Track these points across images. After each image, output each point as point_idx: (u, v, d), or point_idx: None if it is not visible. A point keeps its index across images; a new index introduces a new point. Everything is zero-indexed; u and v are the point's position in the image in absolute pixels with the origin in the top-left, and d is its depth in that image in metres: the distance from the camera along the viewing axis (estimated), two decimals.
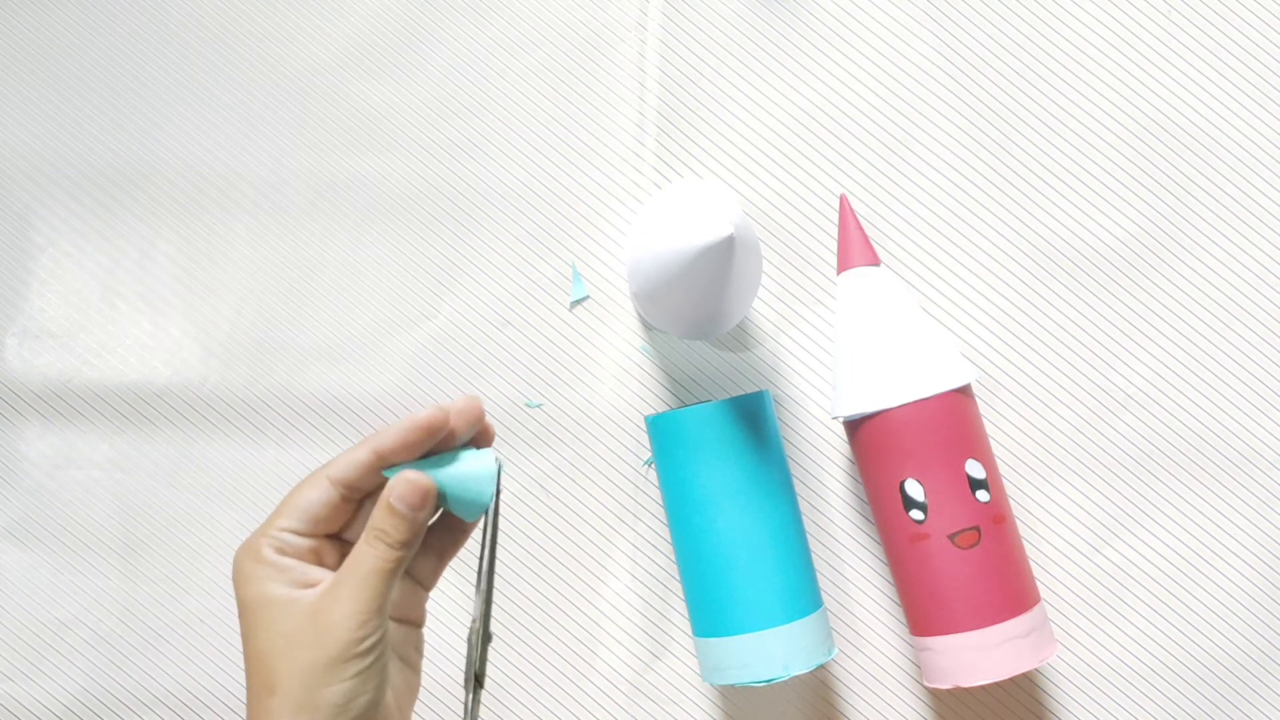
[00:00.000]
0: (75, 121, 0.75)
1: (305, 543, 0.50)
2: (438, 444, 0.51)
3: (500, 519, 0.73)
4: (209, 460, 0.73)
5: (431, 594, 0.56)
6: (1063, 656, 0.72)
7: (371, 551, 0.48)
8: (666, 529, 0.72)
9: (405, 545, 0.48)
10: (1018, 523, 0.71)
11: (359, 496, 0.51)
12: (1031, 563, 0.70)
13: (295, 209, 0.75)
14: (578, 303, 0.72)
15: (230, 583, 0.73)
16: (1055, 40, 0.75)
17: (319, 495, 0.50)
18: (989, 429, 0.73)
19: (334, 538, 0.52)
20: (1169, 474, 0.73)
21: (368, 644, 0.48)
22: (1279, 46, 0.75)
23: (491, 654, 0.72)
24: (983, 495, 0.65)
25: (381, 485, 0.51)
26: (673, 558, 0.72)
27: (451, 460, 0.51)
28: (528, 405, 0.73)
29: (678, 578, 0.72)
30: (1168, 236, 0.74)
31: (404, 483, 0.48)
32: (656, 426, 0.68)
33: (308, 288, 0.74)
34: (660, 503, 0.72)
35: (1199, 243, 0.74)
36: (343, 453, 0.51)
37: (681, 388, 0.73)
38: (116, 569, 0.73)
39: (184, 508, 0.73)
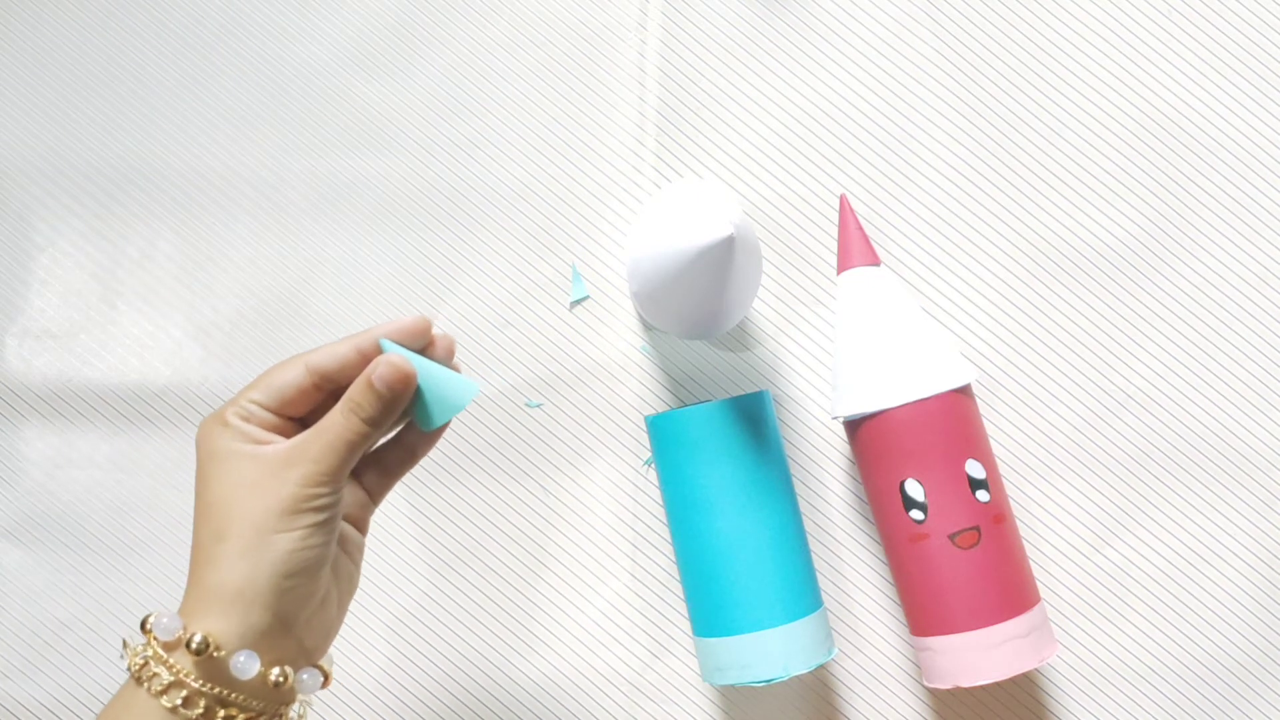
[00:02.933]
0: (75, 121, 0.75)
1: (270, 418, 0.52)
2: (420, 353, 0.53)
3: (494, 514, 0.73)
4: None
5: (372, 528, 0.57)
6: (1063, 656, 0.72)
7: (342, 420, 0.50)
8: (666, 529, 0.72)
9: (374, 423, 0.50)
10: (1018, 523, 0.71)
11: (330, 388, 0.52)
12: (1031, 563, 0.70)
13: (295, 209, 0.75)
14: (578, 303, 0.72)
15: None
16: (1055, 40, 0.75)
17: (293, 377, 0.52)
18: (989, 429, 0.73)
19: (296, 421, 0.53)
20: (1169, 474, 0.73)
21: (321, 501, 0.49)
22: (1279, 46, 0.75)
23: (492, 653, 0.72)
24: (983, 495, 0.65)
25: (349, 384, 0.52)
26: (673, 558, 0.72)
27: (435, 366, 0.52)
28: (528, 405, 0.73)
29: (678, 578, 0.72)
30: (1168, 236, 0.74)
31: (388, 364, 0.50)
32: (656, 426, 0.68)
33: (308, 288, 0.74)
34: (660, 503, 0.72)
35: (1199, 243, 0.74)
36: (326, 344, 0.52)
37: (681, 388, 0.73)
38: (116, 569, 0.73)
39: (184, 508, 0.73)
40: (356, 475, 0.56)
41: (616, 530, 0.73)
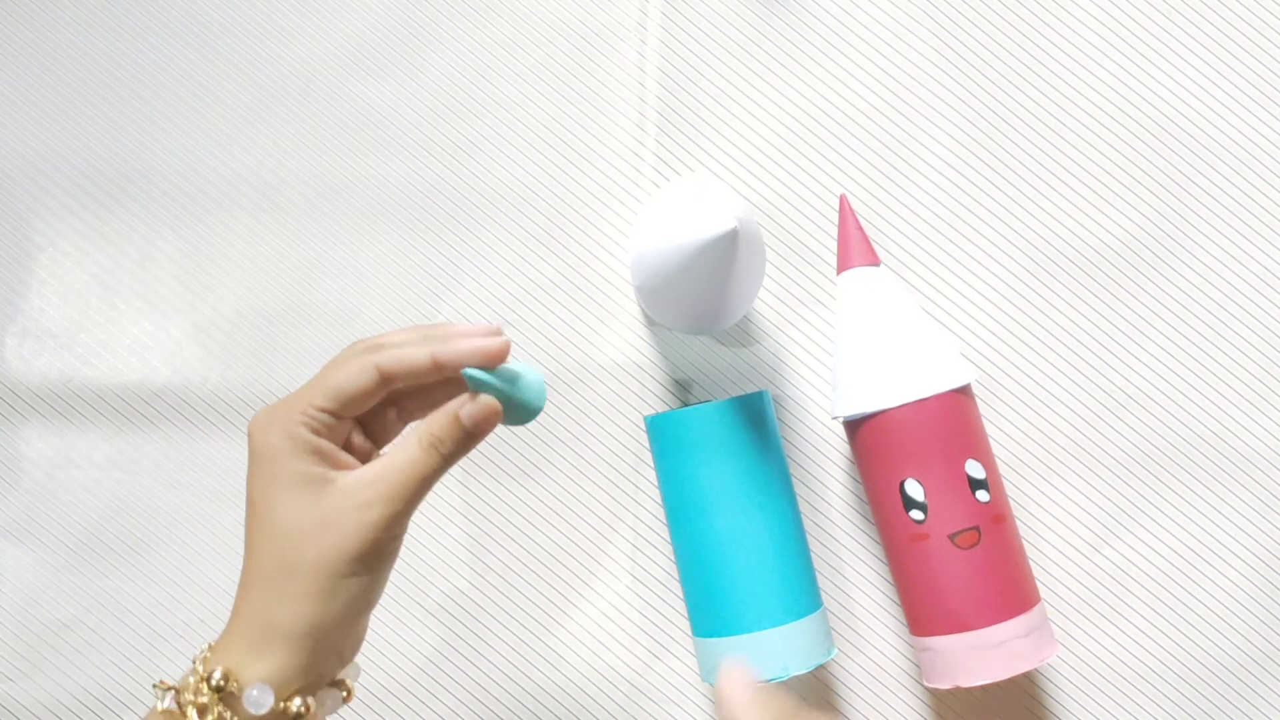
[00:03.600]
0: (75, 121, 0.75)
1: (335, 423, 0.49)
2: None
3: (494, 514, 0.73)
4: (209, 460, 0.73)
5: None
6: (1063, 656, 0.72)
7: (423, 457, 0.48)
8: (666, 529, 0.72)
9: (454, 459, 0.48)
10: (1018, 523, 0.71)
11: (394, 388, 0.50)
12: (1031, 563, 0.70)
13: (295, 209, 0.75)
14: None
15: (227, 583, 0.73)
16: (1055, 40, 0.75)
17: (364, 381, 0.49)
18: (989, 429, 0.73)
19: (356, 421, 0.51)
20: (1169, 474, 0.73)
21: (397, 545, 0.48)
22: (1279, 46, 0.74)
23: (492, 653, 0.72)
24: (983, 495, 0.65)
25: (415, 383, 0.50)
26: (673, 558, 0.72)
27: (510, 374, 0.50)
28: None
29: (678, 578, 0.72)
30: (1168, 236, 0.74)
31: (483, 407, 0.48)
32: (656, 426, 0.68)
33: (308, 288, 0.74)
34: (660, 503, 0.72)
35: (1199, 243, 0.74)
36: (392, 340, 0.49)
37: (682, 387, 0.73)
38: (116, 569, 0.73)
39: (184, 508, 0.73)
40: None
41: (616, 530, 0.73)
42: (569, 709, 0.72)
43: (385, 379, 0.49)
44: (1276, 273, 0.74)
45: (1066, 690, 0.72)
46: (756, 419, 0.67)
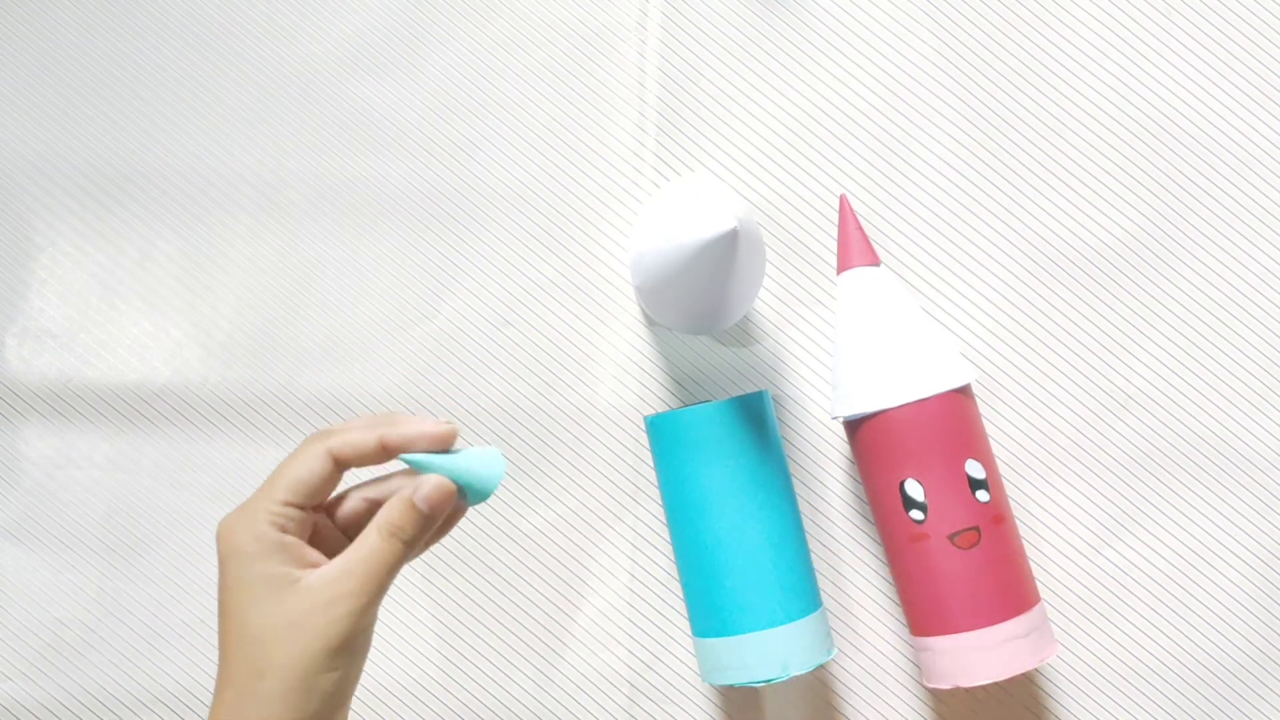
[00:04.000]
0: (75, 121, 0.75)
1: (300, 515, 0.50)
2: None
3: (493, 514, 0.73)
4: (209, 460, 0.73)
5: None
6: (1063, 656, 0.72)
7: (385, 546, 0.48)
8: (666, 529, 0.72)
9: (416, 542, 0.49)
10: (1018, 523, 0.71)
11: (348, 469, 0.51)
12: (1031, 563, 0.70)
13: (295, 209, 0.75)
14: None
15: None
16: (1055, 40, 0.75)
17: (318, 468, 0.50)
18: (989, 429, 0.73)
19: (316, 508, 0.52)
20: (1169, 474, 0.73)
21: (368, 635, 0.48)
22: (1279, 46, 0.74)
23: (492, 653, 0.72)
24: (983, 495, 0.65)
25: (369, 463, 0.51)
26: (673, 558, 0.72)
27: (458, 454, 0.51)
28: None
29: (678, 578, 0.72)
30: (1168, 236, 0.74)
31: (434, 487, 0.49)
32: (656, 426, 0.68)
33: (308, 288, 0.74)
34: (660, 503, 0.72)
35: (1199, 243, 0.74)
36: (343, 428, 0.51)
37: (681, 387, 0.73)
38: (117, 569, 0.73)
39: (184, 508, 0.73)
40: None
41: (616, 530, 0.73)
42: (569, 709, 0.72)
43: (338, 463, 0.50)
44: (1277, 273, 0.74)
45: (1066, 690, 0.72)
46: (756, 419, 0.67)
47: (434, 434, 0.50)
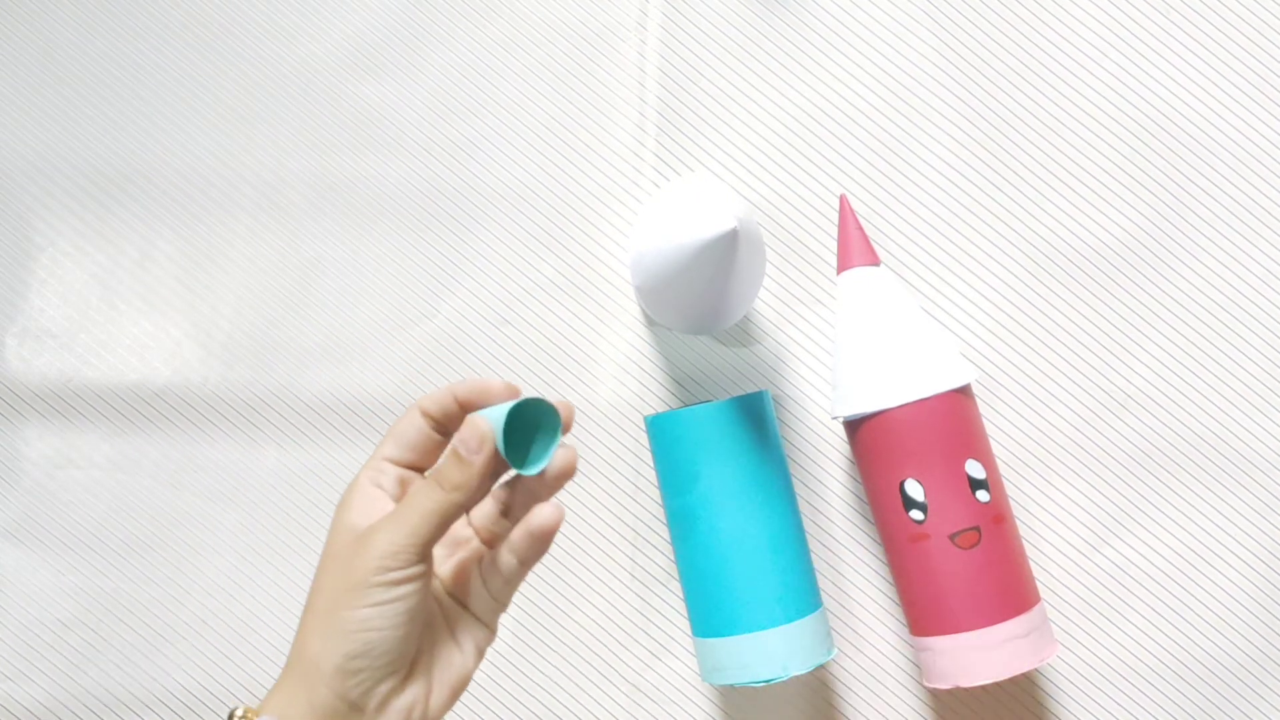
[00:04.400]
0: (75, 121, 0.75)
1: (400, 473, 0.51)
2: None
3: None
4: (209, 460, 0.73)
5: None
6: (1063, 656, 0.72)
7: (424, 489, 0.48)
8: (666, 529, 0.72)
9: (458, 489, 0.48)
10: (1018, 523, 0.71)
11: (441, 428, 0.52)
12: (1031, 563, 0.70)
13: (295, 209, 0.75)
14: None
15: (227, 583, 0.73)
16: (1055, 40, 0.75)
17: (413, 424, 0.51)
18: (989, 429, 0.73)
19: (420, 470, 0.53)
20: (1169, 474, 0.73)
21: (393, 576, 0.47)
22: (1279, 46, 0.74)
23: (492, 654, 0.72)
24: (983, 495, 0.65)
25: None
26: (673, 558, 0.72)
27: (519, 407, 0.51)
28: None
29: (678, 578, 0.72)
30: (1168, 237, 0.74)
31: (466, 424, 0.49)
32: (656, 426, 0.68)
33: (308, 288, 0.74)
34: (660, 503, 0.72)
35: (1199, 243, 0.74)
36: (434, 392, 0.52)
37: (681, 387, 0.73)
38: (116, 569, 0.73)
39: (184, 508, 0.73)
40: (484, 576, 0.53)
41: (616, 530, 0.73)
42: (569, 709, 0.72)
43: (426, 416, 0.51)
44: (1277, 273, 0.74)
45: (1066, 690, 0.72)
46: (756, 419, 0.67)
47: (489, 387, 0.51)
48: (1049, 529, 0.73)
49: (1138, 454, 0.73)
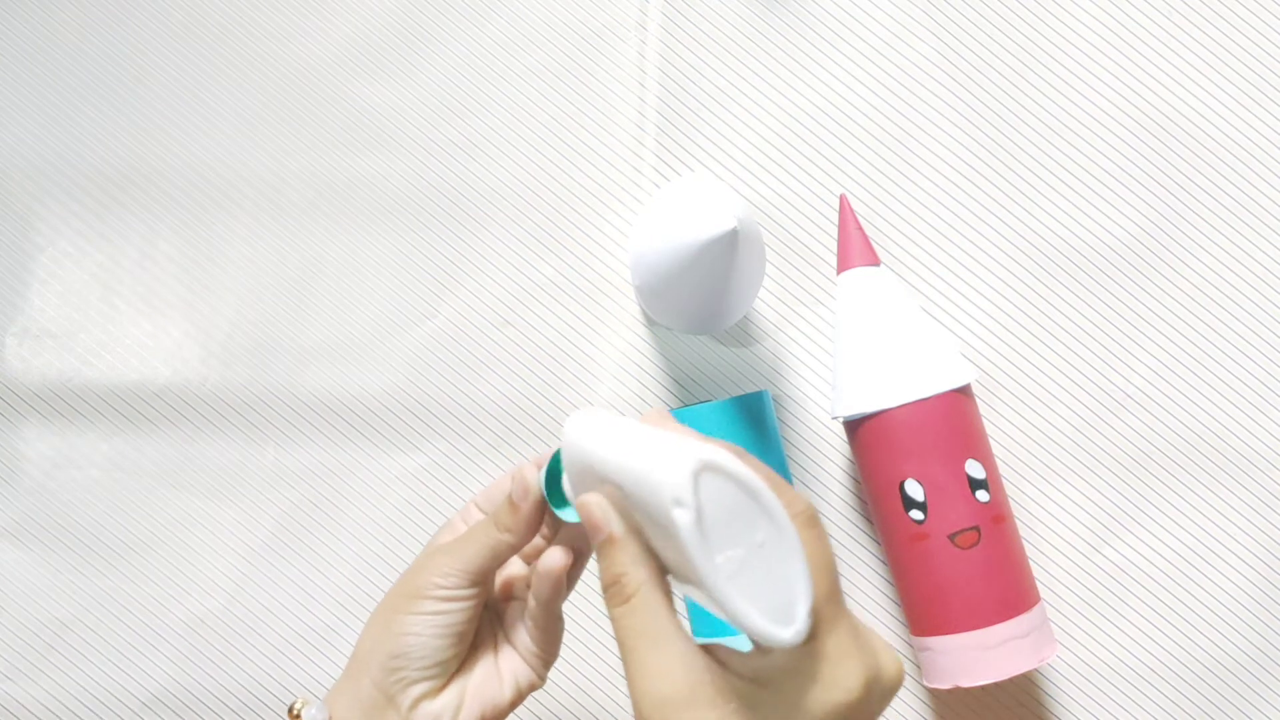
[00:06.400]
0: (75, 121, 0.75)
1: (481, 517, 0.57)
2: None
3: None
4: (209, 460, 0.73)
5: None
6: (1063, 656, 0.72)
7: (483, 526, 0.54)
8: None
9: (508, 530, 0.54)
10: (1018, 523, 0.71)
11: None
12: (1031, 563, 0.70)
13: (295, 209, 0.75)
14: None
15: (227, 583, 0.73)
16: (1055, 40, 0.75)
17: (501, 487, 0.57)
18: (989, 429, 0.73)
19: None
20: (1169, 474, 0.73)
21: (443, 593, 0.53)
22: (1279, 46, 0.75)
23: None
24: (982, 495, 0.65)
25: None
26: None
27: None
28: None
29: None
30: (1168, 236, 0.74)
31: (517, 475, 0.54)
32: None
33: (308, 288, 0.74)
34: None
35: (1199, 243, 0.74)
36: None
37: (681, 387, 0.73)
38: (116, 569, 0.73)
39: (184, 508, 0.73)
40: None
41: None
42: (569, 709, 0.72)
43: (480, 509, 0.57)
44: (1277, 273, 0.74)
45: (1066, 690, 0.72)
46: (756, 419, 0.67)
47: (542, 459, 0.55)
48: (1049, 529, 0.73)
49: (1137, 454, 0.73)
